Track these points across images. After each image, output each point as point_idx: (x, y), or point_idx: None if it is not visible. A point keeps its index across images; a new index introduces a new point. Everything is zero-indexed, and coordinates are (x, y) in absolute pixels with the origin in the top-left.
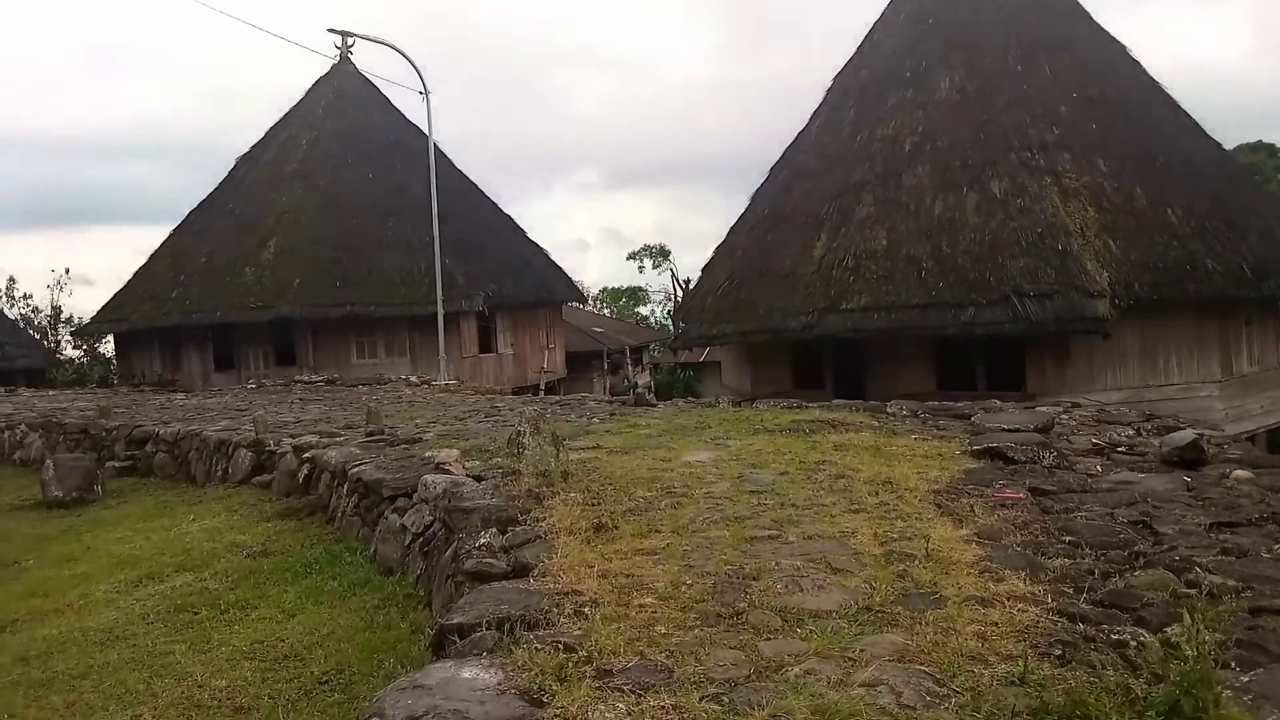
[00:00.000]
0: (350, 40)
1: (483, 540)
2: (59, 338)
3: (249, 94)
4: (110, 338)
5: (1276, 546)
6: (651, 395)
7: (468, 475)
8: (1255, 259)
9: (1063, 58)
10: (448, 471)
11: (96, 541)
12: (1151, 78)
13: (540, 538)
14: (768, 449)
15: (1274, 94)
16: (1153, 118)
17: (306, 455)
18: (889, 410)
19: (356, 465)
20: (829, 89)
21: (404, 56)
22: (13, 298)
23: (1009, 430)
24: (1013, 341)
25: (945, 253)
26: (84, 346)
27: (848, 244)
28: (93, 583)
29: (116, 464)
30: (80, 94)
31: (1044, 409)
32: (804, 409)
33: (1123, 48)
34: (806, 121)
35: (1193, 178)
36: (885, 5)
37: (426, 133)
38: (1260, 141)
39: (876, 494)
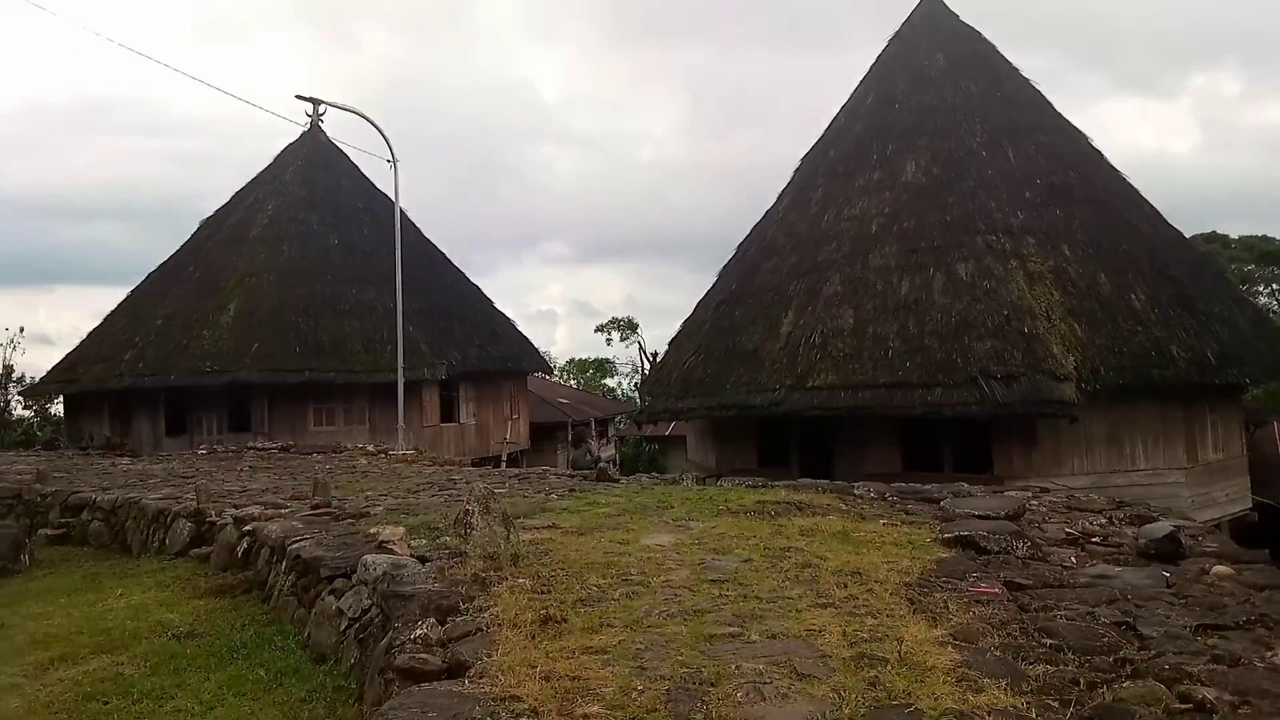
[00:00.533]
0: (321, 108)
1: (419, 631)
2: (8, 397)
3: (221, 159)
4: (60, 399)
5: (1269, 654)
6: (615, 470)
7: (412, 555)
8: (1219, 346)
9: (1026, 145)
10: (391, 551)
11: (14, 617)
12: (1112, 166)
13: (482, 630)
14: (731, 532)
15: (1223, 186)
16: (1114, 205)
17: (247, 528)
18: (856, 492)
19: (296, 540)
20: (797, 169)
21: (371, 124)
22: None
23: (980, 517)
24: (980, 424)
25: (912, 332)
26: (34, 407)
27: (815, 322)
28: (0, 664)
29: (49, 531)
30: (49, 155)
31: (1014, 494)
32: (770, 489)
33: (1083, 137)
34: (775, 200)
35: (1155, 264)
36: (854, 88)
37: (393, 200)
38: (1214, 232)
39: (845, 586)
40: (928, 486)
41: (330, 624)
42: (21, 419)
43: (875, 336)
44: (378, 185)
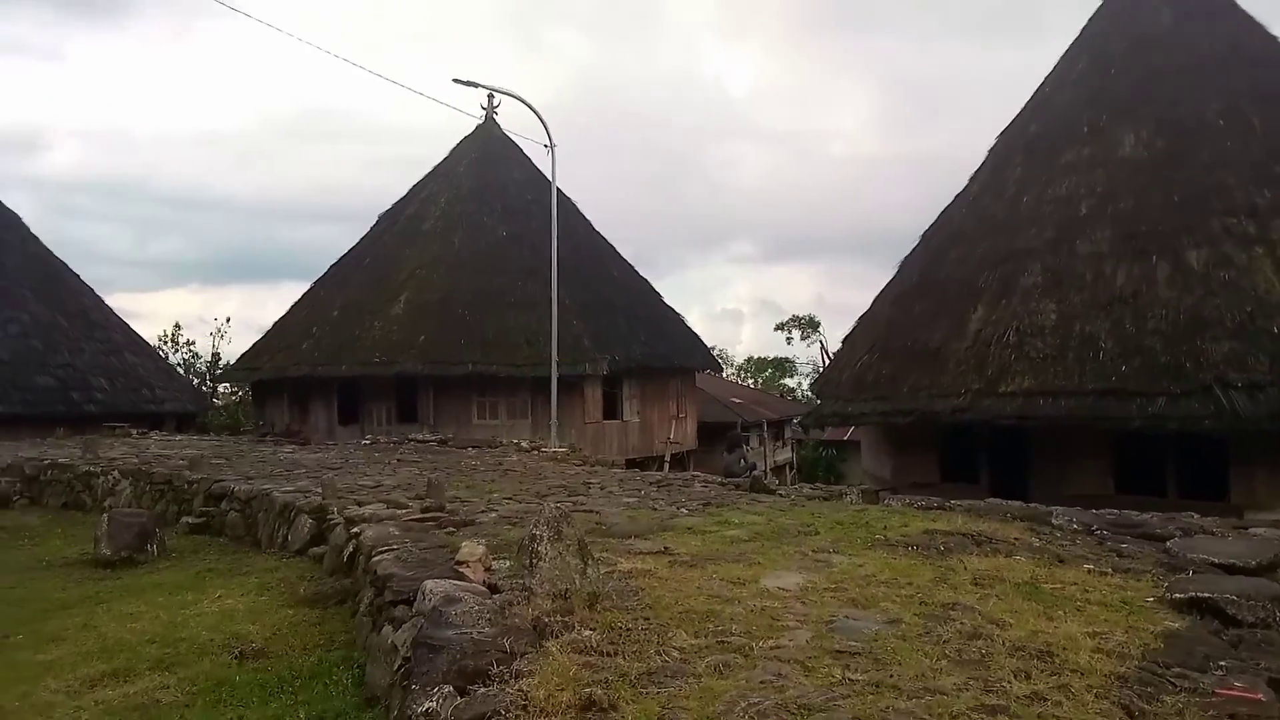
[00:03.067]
0: (496, 100)
1: (427, 705)
2: (216, 385)
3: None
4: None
5: None
6: (790, 474)
7: (486, 582)
8: None
9: (1276, 112)
10: (461, 576)
11: (104, 616)
12: None
13: (500, 714)
14: (881, 575)
15: None
16: None
17: (355, 530)
18: (1055, 522)
19: (382, 551)
20: (993, 148)
21: (530, 108)
22: (176, 344)
23: (1223, 567)
24: (1214, 441)
25: (1129, 331)
26: (238, 393)
27: (1009, 317)
28: (51, 676)
29: (190, 519)
30: (274, 162)
31: (1262, 533)
32: (945, 513)
33: None
34: (966, 184)
35: None
36: (1060, 56)
37: (557, 188)
38: None
39: (1027, 676)
40: (1146, 517)
41: (386, 660)
42: (229, 404)
43: (1083, 335)
44: (548, 177)
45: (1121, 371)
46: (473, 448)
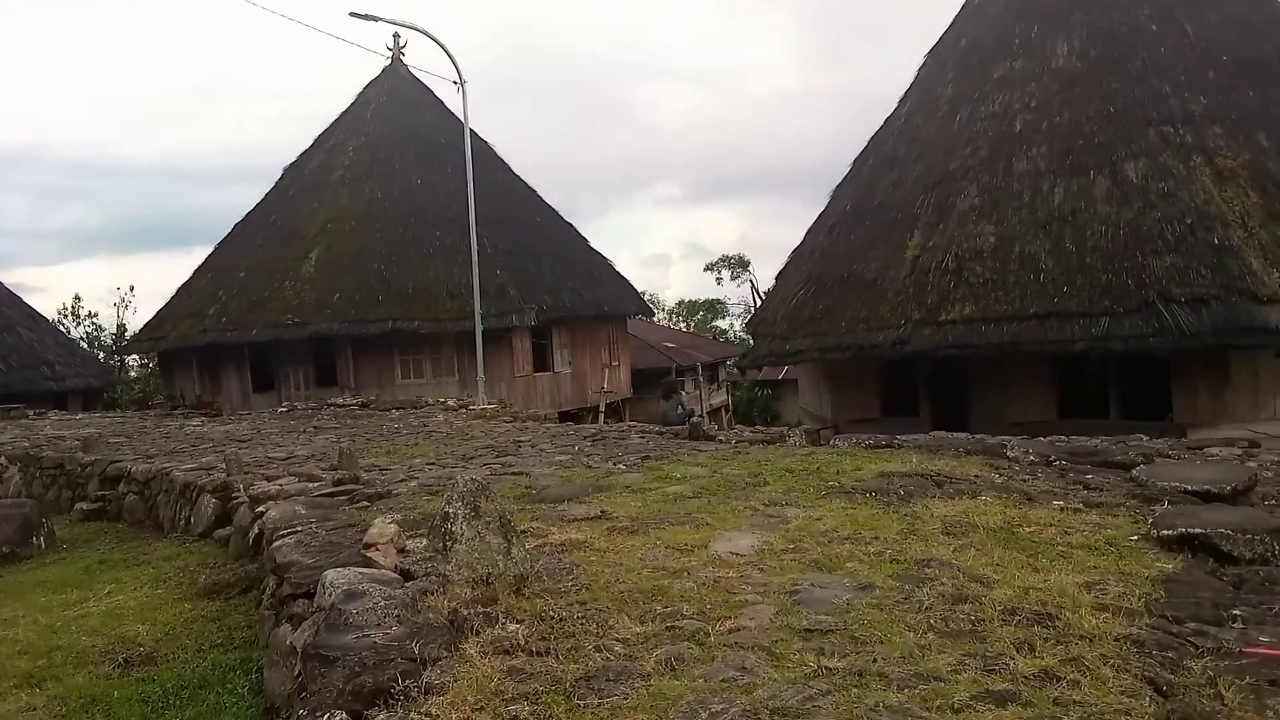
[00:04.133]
0: (403, 40)
1: None
2: (123, 358)
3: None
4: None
5: None
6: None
7: (398, 567)
8: None
9: (1207, 15)
10: (369, 561)
11: None
12: None
13: None
14: (843, 530)
15: None
16: None
17: (260, 509)
18: (1010, 453)
19: (284, 534)
20: (922, 65)
21: (436, 42)
22: (78, 316)
23: (1198, 495)
24: (1155, 360)
25: (1069, 250)
26: (148, 365)
27: (947, 242)
28: None
29: (85, 505)
30: (183, 124)
31: (1222, 453)
32: (896, 451)
33: (1275, 5)
34: (896, 105)
35: None
36: None
37: (472, 129)
38: None
39: (1030, 648)
40: (1099, 443)
41: (285, 664)
42: (141, 378)
43: (1023, 257)
44: (461, 118)
45: (1063, 293)
46: (396, 410)
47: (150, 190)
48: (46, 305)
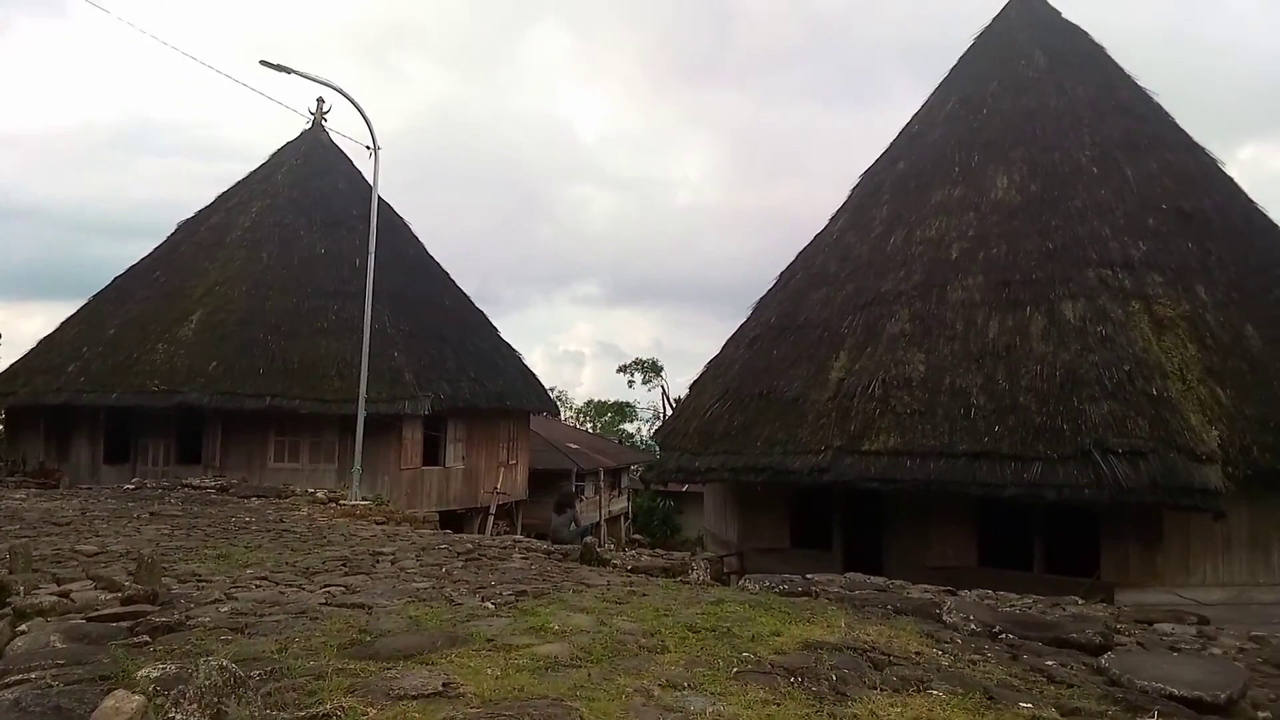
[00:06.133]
0: (327, 106)
1: None
2: None
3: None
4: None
5: None
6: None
7: None
8: None
9: (1148, 162)
10: None
11: None
12: (1249, 198)
13: None
14: None
15: None
16: (1260, 243)
17: (22, 629)
18: (946, 617)
19: (11, 682)
20: (856, 185)
21: (351, 103)
22: None
23: (1187, 702)
24: (1083, 511)
25: (1002, 387)
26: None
27: (874, 367)
28: None
29: None
30: (98, 172)
31: (1177, 631)
32: (818, 605)
33: (1214, 159)
34: (828, 222)
35: None
36: (931, 92)
37: (388, 204)
38: None
39: None
40: (1043, 609)
41: None
42: None
43: (953, 390)
44: (382, 195)
45: (994, 432)
46: (258, 498)
47: (53, 236)
48: None
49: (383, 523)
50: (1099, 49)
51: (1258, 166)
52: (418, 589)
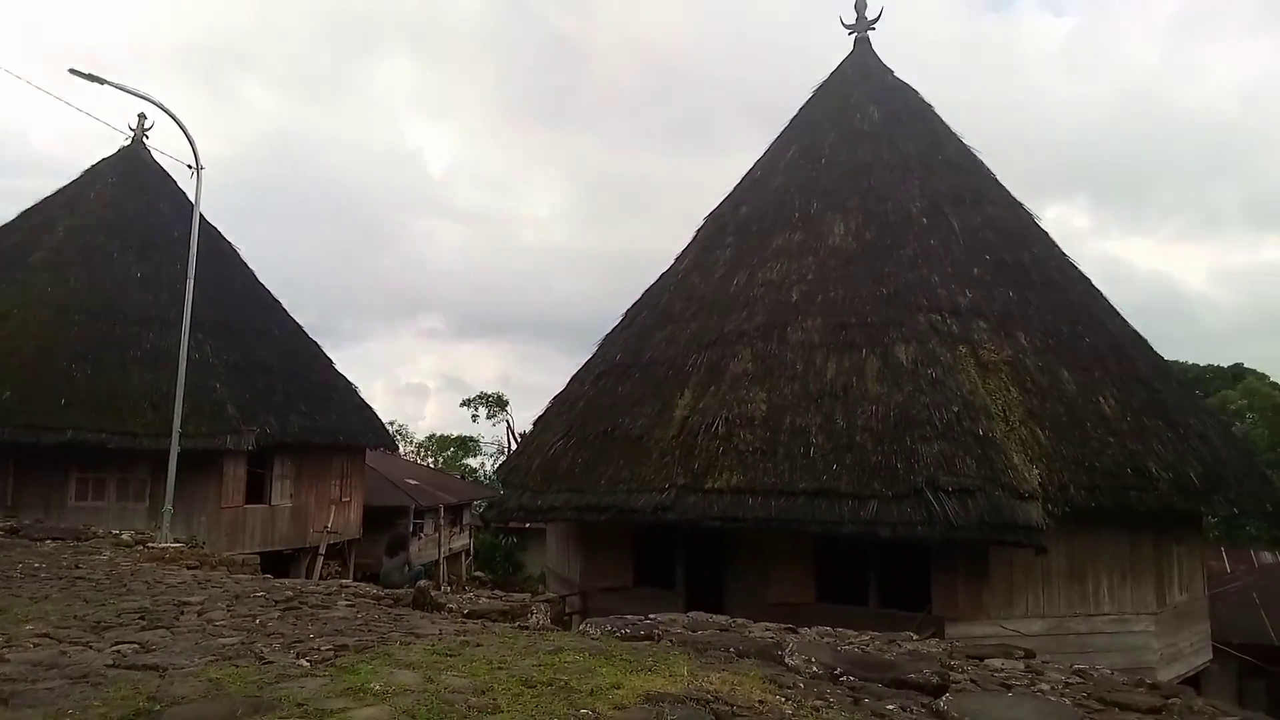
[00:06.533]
0: (149, 123)
1: None
2: None
3: None
4: None
5: None
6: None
7: None
8: (1202, 466)
9: (972, 216)
10: None
11: None
12: (1062, 251)
13: None
14: None
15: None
16: (1072, 291)
17: None
18: (788, 659)
19: None
20: (701, 227)
21: (170, 116)
22: None
23: None
24: (915, 548)
25: (840, 427)
26: None
27: (718, 405)
28: None
29: None
30: None
31: (1007, 666)
32: (659, 650)
33: (1031, 215)
34: (673, 262)
35: (1123, 364)
36: (773, 140)
37: (217, 230)
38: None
39: None
40: (880, 647)
41: None
42: None
43: (794, 429)
44: (209, 219)
45: (833, 470)
46: (53, 540)
47: None
48: None
49: (195, 567)
50: (927, 107)
51: (1064, 224)
52: (224, 645)
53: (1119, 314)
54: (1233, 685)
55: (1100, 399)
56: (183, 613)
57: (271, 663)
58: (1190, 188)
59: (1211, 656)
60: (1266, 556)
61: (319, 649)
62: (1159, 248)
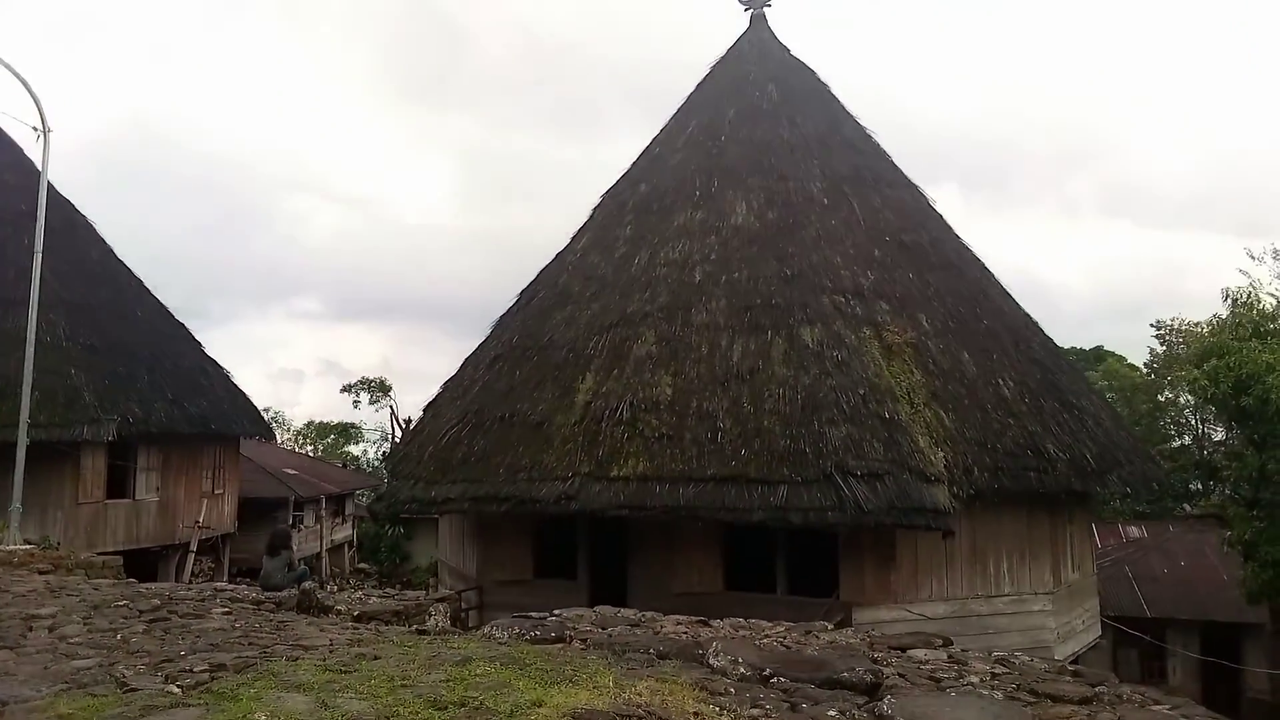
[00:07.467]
0: None
1: None
2: None
3: None
4: None
5: None
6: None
7: None
8: (1097, 447)
9: (872, 197)
10: None
11: None
12: (957, 234)
13: None
14: None
15: None
16: (969, 274)
17: None
18: (714, 661)
19: None
20: (598, 205)
21: (10, 70)
22: None
23: None
24: (822, 533)
25: (747, 410)
26: None
27: (622, 390)
28: None
29: None
30: None
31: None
32: (574, 655)
33: (927, 197)
34: (570, 240)
35: (1019, 346)
36: (669, 117)
37: (70, 202)
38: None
39: None
40: (786, 636)
41: None
42: None
43: (700, 414)
44: (61, 190)
45: (741, 456)
46: None
47: None
48: None
49: (49, 571)
50: (825, 87)
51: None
52: (79, 669)
53: (1011, 296)
54: (1108, 656)
55: (1000, 381)
56: (31, 628)
57: (136, 690)
58: (1049, 178)
59: (1101, 633)
60: (1134, 531)
61: (192, 670)
62: (1022, 235)
